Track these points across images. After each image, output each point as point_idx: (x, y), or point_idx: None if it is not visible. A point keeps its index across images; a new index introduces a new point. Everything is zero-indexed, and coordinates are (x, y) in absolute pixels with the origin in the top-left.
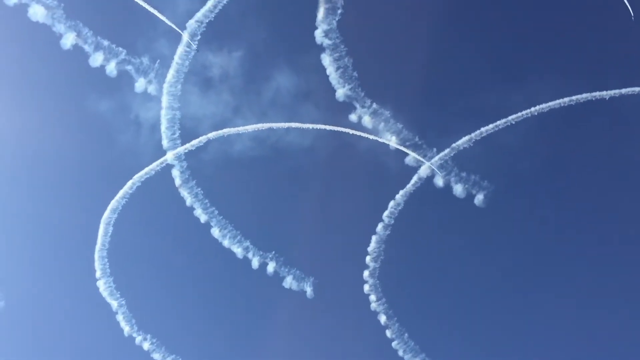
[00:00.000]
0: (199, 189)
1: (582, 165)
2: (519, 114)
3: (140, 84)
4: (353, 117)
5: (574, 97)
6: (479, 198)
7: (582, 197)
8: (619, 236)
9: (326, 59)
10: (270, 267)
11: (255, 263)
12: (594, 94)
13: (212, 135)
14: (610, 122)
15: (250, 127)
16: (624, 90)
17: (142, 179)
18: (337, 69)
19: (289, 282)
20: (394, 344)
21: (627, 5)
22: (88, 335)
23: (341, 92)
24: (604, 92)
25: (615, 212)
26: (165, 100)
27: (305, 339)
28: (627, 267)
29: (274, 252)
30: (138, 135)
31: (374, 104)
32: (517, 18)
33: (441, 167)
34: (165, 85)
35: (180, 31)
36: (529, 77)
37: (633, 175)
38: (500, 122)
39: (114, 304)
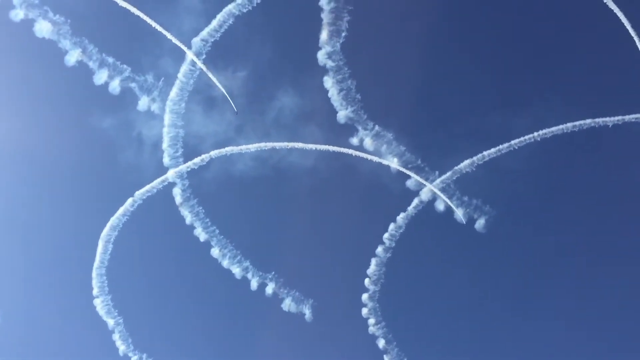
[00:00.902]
0: (200, 208)
1: (584, 192)
2: (522, 138)
3: (143, 102)
4: (355, 140)
5: (577, 123)
6: (480, 223)
7: (584, 224)
8: (622, 263)
9: (329, 81)
10: (270, 288)
11: (254, 284)
12: (596, 120)
13: (214, 153)
14: (613, 149)
15: (253, 146)
16: (627, 117)
17: (144, 197)
18: (340, 91)
19: (287, 304)
20: None
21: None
22: (82, 353)
23: (343, 114)
24: (607, 119)
25: (618, 238)
26: (168, 118)
27: None
28: (631, 294)
29: (273, 272)
30: (140, 152)
31: (377, 126)
32: (523, 43)
33: (443, 190)
34: (169, 103)
35: (185, 49)
36: (533, 101)
37: (636, 203)
38: (503, 147)
39: (111, 322)
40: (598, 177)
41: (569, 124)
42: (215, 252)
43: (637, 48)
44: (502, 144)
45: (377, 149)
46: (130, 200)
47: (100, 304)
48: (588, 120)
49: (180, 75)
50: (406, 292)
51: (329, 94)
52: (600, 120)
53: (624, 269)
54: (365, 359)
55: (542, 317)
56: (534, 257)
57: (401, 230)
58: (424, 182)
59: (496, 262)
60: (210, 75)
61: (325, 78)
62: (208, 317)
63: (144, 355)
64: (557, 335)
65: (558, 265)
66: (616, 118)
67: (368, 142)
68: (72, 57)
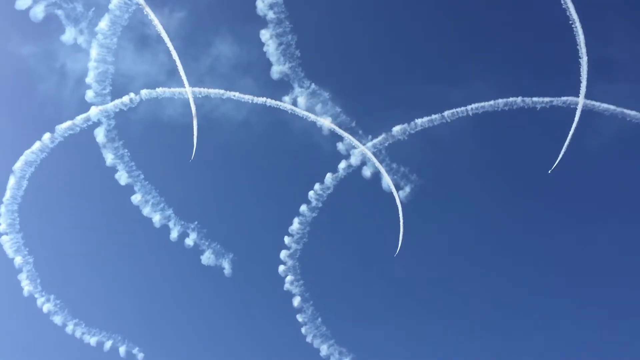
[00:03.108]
0: (126, 150)
1: (510, 168)
2: (454, 110)
3: (70, 33)
4: (287, 98)
5: (509, 100)
6: (405, 191)
7: (506, 200)
8: (542, 239)
9: (267, 34)
10: (191, 238)
11: (174, 234)
12: (526, 100)
13: (145, 93)
14: (541, 130)
15: (188, 90)
16: (555, 100)
17: (65, 134)
18: (279, 45)
19: (207, 256)
20: (304, 328)
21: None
22: None
23: (279, 70)
24: (537, 99)
25: (538, 212)
26: (97, 53)
27: (215, 315)
28: (552, 269)
29: (196, 222)
30: (62, 86)
31: (313, 84)
32: (465, 17)
33: (374, 155)
34: (99, 37)
35: None
36: (469, 75)
37: (559, 180)
38: (436, 117)
39: (19, 260)
40: (525, 155)
41: (501, 101)
42: (137, 198)
43: (574, 32)
44: (435, 114)
45: (311, 107)
46: (48, 135)
47: (8, 241)
48: (519, 100)
49: (113, 6)
50: (328, 253)
51: (265, 48)
52: (530, 100)
53: (546, 238)
54: (279, 318)
55: (462, 284)
56: (456, 228)
57: (329, 192)
58: (358, 143)
59: (419, 231)
60: (148, 10)
61: (263, 31)
62: (122, 263)
63: (52, 297)
64: (476, 303)
65: (478, 237)
66: (546, 99)
67: (302, 100)
68: None
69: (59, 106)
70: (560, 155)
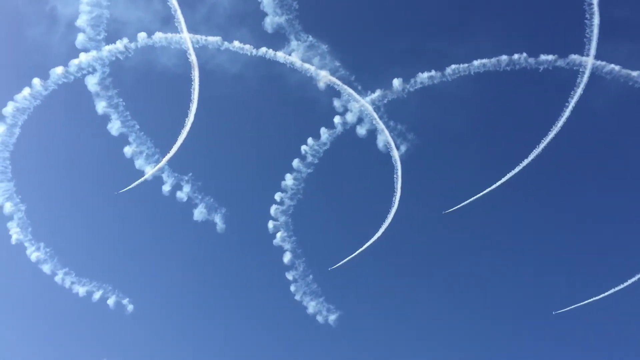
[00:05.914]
0: (120, 99)
1: (507, 132)
2: (455, 66)
3: None
4: (283, 50)
5: (513, 57)
6: (401, 150)
7: (500, 163)
8: (540, 199)
9: None
10: (184, 192)
11: (167, 187)
12: (530, 60)
13: (141, 37)
14: (541, 91)
15: (187, 37)
16: (558, 61)
17: (60, 82)
18: None
19: (200, 211)
20: (294, 286)
21: None
22: None
23: (275, 21)
24: (542, 57)
25: (532, 178)
26: None
27: (205, 270)
28: (549, 226)
29: (190, 174)
30: (52, 31)
31: (310, 37)
32: None
33: (374, 110)
34: None
35: None
36: (472, 29)
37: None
38: (436, 75)
39: (9, 207)
40: (522, 117)
41: (504, 58)
42: (130, 149)
43: None
44: (436, 70)
45: (307, 61)
46: (38, 80)
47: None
48: (522, 57)
49: None
50: (321, 210)
51: None
52: (533, 60)
53: (544, 198)
54: (269, 276)
55: (456, 245)
56: (451, 187)
57: (325, 147)
58: (358, 97)
59: (413, 191)
60: None
61: None
62: (114, 213)
63: (42, 245)
64: (470, 262)
65: (474, 201)
66: (549, 57)
67: (298, 54)
68: None
69: (49, 51)
70: (565, 117)
